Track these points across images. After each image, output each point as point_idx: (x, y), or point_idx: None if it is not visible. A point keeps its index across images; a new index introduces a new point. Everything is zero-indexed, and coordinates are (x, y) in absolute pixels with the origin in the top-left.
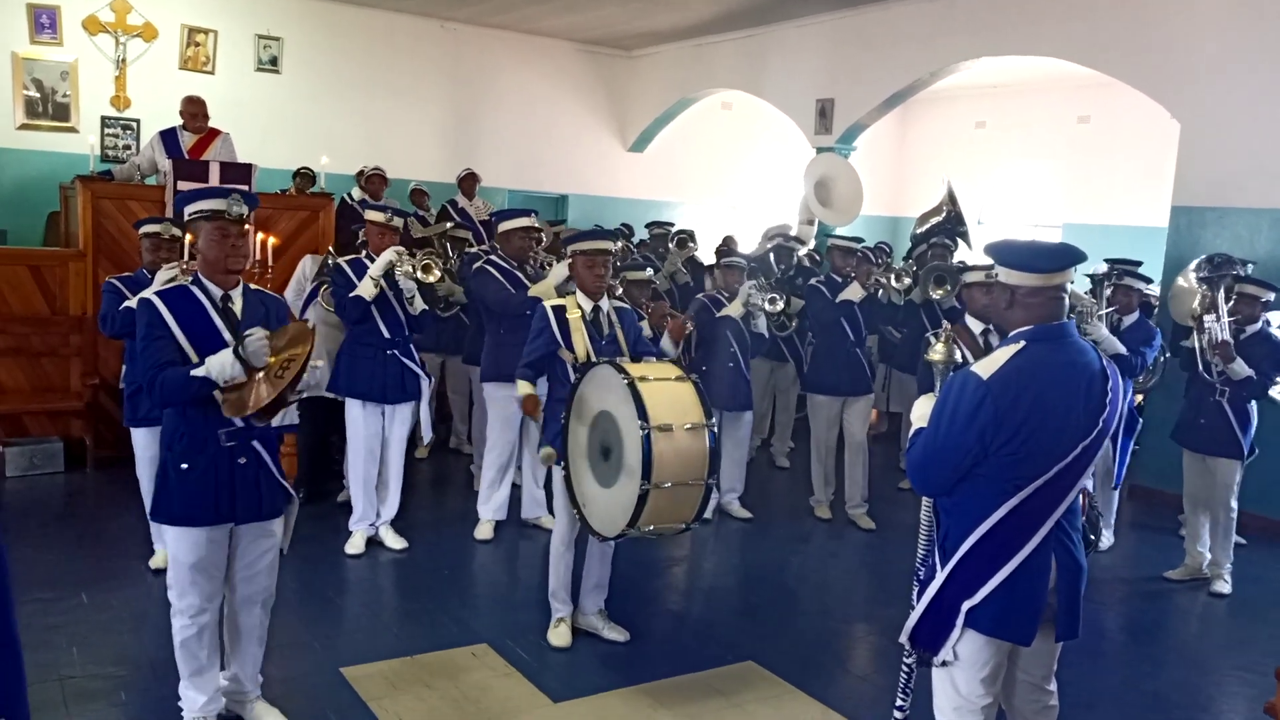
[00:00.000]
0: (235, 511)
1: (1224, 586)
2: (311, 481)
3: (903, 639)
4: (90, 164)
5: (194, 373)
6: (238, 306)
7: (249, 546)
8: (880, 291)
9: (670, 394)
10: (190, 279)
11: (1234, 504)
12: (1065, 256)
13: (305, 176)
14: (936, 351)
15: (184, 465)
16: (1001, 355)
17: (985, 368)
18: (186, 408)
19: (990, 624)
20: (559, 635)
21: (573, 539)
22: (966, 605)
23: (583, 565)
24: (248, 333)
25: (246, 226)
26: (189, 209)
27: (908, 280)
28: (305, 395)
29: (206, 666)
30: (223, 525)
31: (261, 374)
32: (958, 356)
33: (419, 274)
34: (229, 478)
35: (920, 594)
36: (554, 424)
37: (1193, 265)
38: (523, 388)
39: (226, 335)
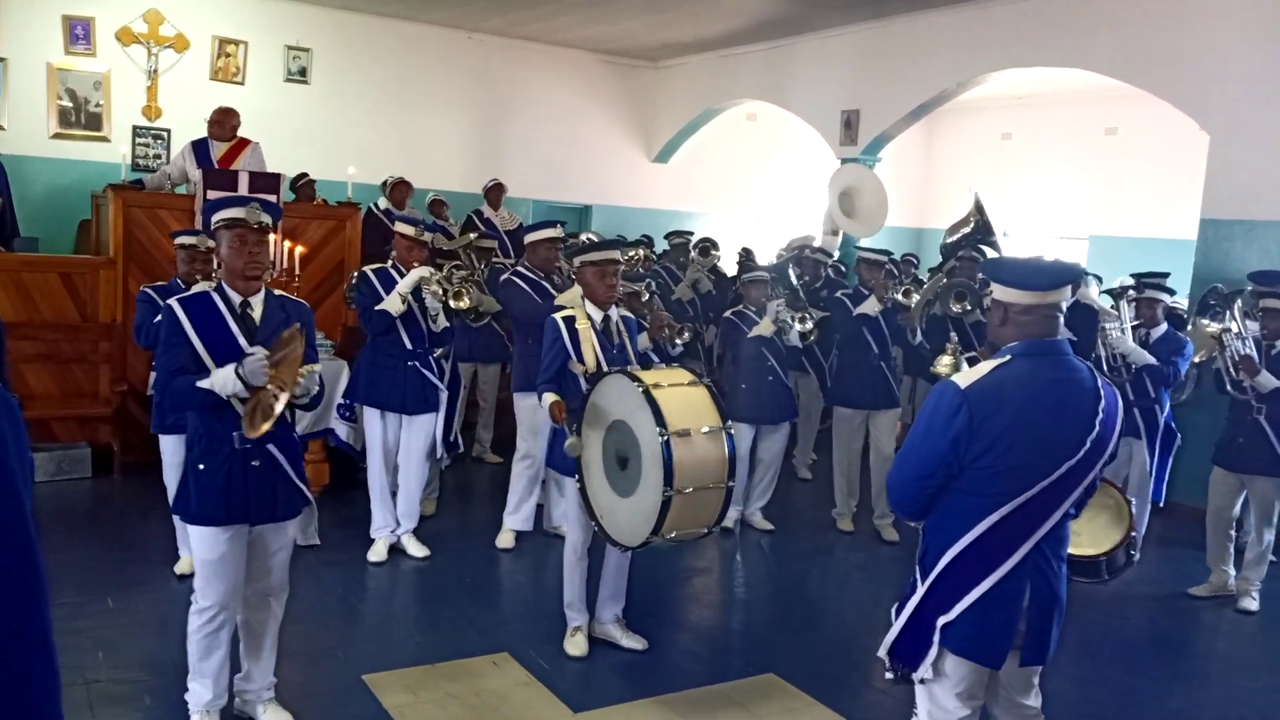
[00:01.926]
0: (248, 512)
1: (1251, 604)
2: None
3: (881, 654)
4: (121, 173)
5: (199, 384)
6: (257, 313)
7: (263, 547)
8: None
9: (686, 399)
10: (214, 286)
11: (1275, 523)
12: (1059, 274)
13: (308, 183)
14: (943, 364)
15: (200, 466)
16: (985, 367)
17: (965, 378)
18: (204, 411)
19: (960, 644)
20: (575, 645)
21: (586, 549)
22: (941, 621)
23: (599, 575)
24: (249, 351)
25: (273, 235)
26: (215, 217)
27: (916, 297)
28: (306, 400)
29: (216, 663)
30: (238, 525)
31: (269, 388)
32: (964, 368)
33: (450, 300)
34: (242, 480)
35: (899, 609)
36: (564, 437)
37: (1195, 316)
38: (547, 397)
39: (242, 341)
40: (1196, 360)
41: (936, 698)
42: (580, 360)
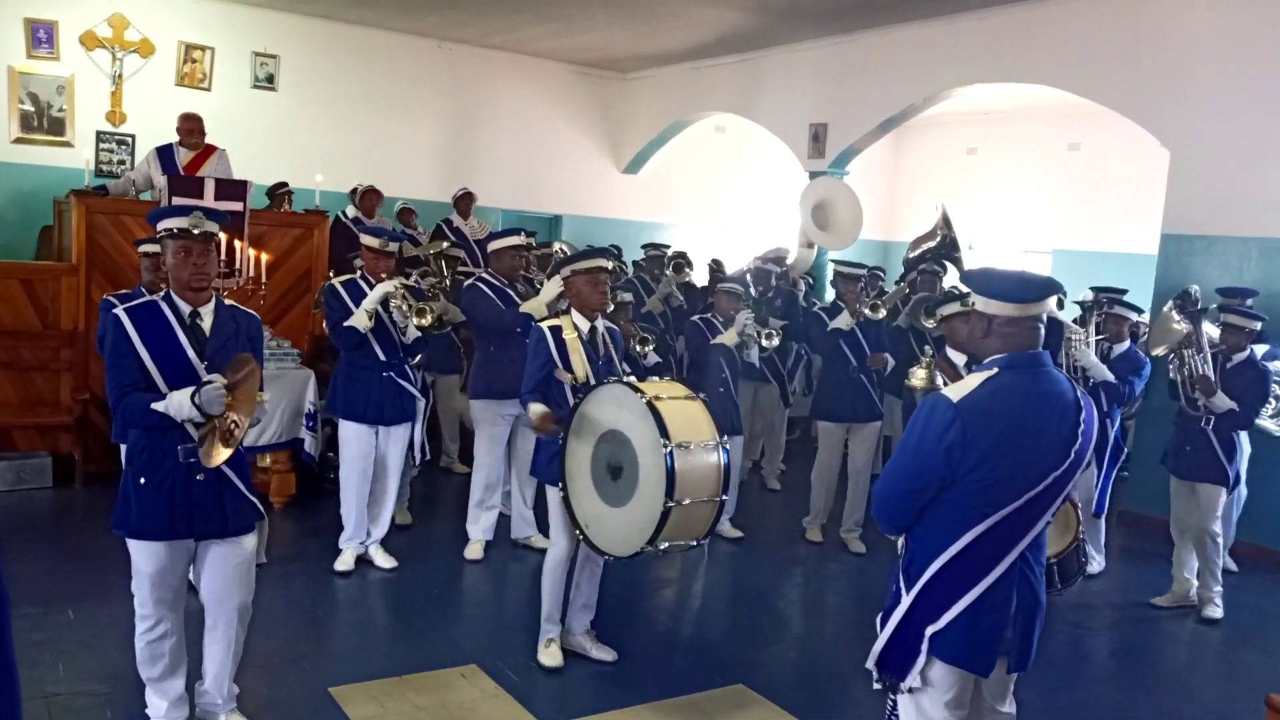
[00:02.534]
0: (192, 528)
1: (1215, 611)
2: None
3: (869, 665)
4: (85, 178)
5: (154, 406)
6: (206, 323)
7: (217, 562)
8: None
9: (685, 412)
10: (162, 295)
11: (1217, 529)
12: (1043, 288)
13: (285, 192)
14: (918, 377)
15: (142, 480)
16: (973, 380)
17: (956, 391)
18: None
19: (951, 653)
20: (550, 655)
21: (568, 560)
22: (930, 630)
23: (570, 585)
24: (207, 379)
25: (240, 242)
26: (159, 226)
27: (884, 312)
28: (254, 426)
29: (166, 673)
30: (181, 540)
31: (228, 415)
32: (939, 382)
33: (413, 317)
34: (186, 494)
35: (884, 620)
36: (550, 445)
37: (1171, 304)
38: (535, 408)
39: (191, 354)
40: (1160, 354)
41: (924, 708)
42: (568, 369)
